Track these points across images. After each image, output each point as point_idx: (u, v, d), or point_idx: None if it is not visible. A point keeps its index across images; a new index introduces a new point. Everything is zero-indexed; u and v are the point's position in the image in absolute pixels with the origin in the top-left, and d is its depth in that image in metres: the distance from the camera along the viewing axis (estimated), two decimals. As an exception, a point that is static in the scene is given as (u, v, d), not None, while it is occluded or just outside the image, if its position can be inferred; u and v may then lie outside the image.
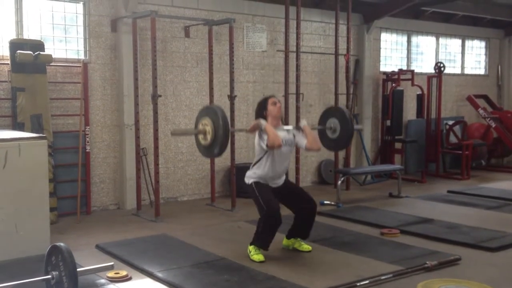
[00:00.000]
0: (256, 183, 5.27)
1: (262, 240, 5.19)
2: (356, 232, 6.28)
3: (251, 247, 5.25)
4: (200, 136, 5.14)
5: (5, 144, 5.22)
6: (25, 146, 5.32)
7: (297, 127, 5.53)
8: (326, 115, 6.00)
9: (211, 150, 5.10)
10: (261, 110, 5.37)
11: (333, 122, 5.86)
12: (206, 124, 5.02)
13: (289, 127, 5.54)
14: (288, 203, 5.41)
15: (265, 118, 5.31)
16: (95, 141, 7.58)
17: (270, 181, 5.31)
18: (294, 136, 5.43)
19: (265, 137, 5.11)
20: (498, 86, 13.37)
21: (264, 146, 5.14)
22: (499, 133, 11.35)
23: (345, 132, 5.79)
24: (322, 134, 6.00)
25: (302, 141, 5.40)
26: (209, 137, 5.00)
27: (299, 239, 5.50)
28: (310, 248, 5.46)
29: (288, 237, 5.53)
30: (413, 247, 5.62)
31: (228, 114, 7.90)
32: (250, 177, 5.34)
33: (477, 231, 6.24)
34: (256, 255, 5.16)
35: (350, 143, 6.10)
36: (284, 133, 5.34)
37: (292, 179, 7.72)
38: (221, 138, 4.91)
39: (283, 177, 5.44)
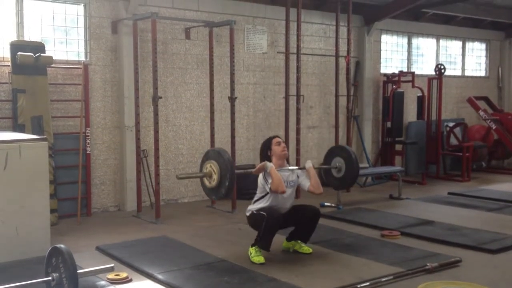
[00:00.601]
0: (256, 210, 5.28)
1: (264, 241, 5.19)
2: (357, 234, 6.27)
3: (251, 249, 5.24)
4: (206, 179, 5.18)
5: (5, 146, 5.22)
6: (25, 147, 5.32)
7: (302, 168, 5.57)
8: (332, 154, 6.05)
9: (217, 193, 5.15)
10: (265, 150, 5.39)
11: (338, 161, 5.93)
12: (212, 168, 5.06)
13: (294, 167, 5.58)
14: (292, 220, 5.37)
15: (269, 157, 5.33)
16: (96, 142, 7.58)
17: None
18: (298, 176, 5.45)
19: (270, 180, 5.13)
20: (499, 88, 13.37)
21: (268, 189, 5.16)
22: (499, 135, 11.34)
23: (351, 172, 5.85)
24: (327, 173, 6.07)
25: (306, 182, 5.42)
26: (214, 180, 5.05)
27: (299, 241, 5.50)
28: (310, 250, 5.45)
29: (288, 240, 5.53)
30: (413, 249, 5.61)
31: (228, 115, 7.97)
32: (251, 210, 5.34)
33: (477, 233, 6.23)
34: (257, 257, 5.16)
35: (355, 182, 6.20)
36: (288, 173, 5.36)
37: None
38: (227, 182, 4.96)
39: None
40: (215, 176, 5.03)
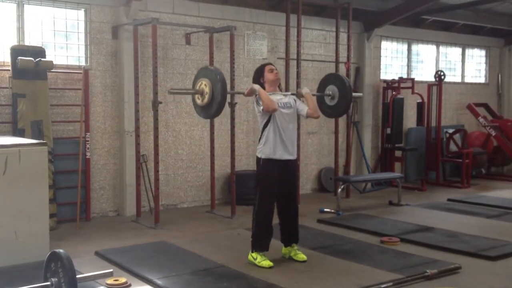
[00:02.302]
0: (265, 162, 5.22)
1: (260, 241, 5.22)
2: (356, 240, 6.26)
3: (254, 254, 5.23)
4: (197, 96, 5.16)
5: (5, 150, 5.22)
6: (25, 152, 5.32)
7: (298, 94, 5.53)
8: (326, 82, 6.00)
9: (207, 111, 5.15)
10: (258, 77, 5.38)
11: (332, 89, 5.88)
12: (204, 85, 5.04)
13: (287, 93, 5.55)
14: (278, 194, 5.36)
15: (262, 84, 5.32)
16: (95, 147, 7.58)
17: (281, 151, 5.22)
18: (294, 101, 5.42)
19: (261, 102, 5.14)
20: (498, 94, 13.39)
21: (261, 110, 5.17)
22: (499, 141, 11.35)
23: (344, 100, 5.80)
24: (320, 101, 6.02)
25: (304, 108, 5.39)
26: (206, 97, 5.03)
27: (295, 247, 5.45)
28: (305, 258, 5.37)
29: (285, 246, 5.50)
30: (413, 256, 5.60)
31: (228, 121, 7.97)
32: (261, 151, 5.28)
33: (477, 239, 6.22)
34: (264, 261, 5.15)
35: (347, 111, 6.12)
36: (280, 96, 5.33)
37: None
38: (218, 99, 4.95)
39: (293, 151, 5.35)
40: (206, 93, 5.01)
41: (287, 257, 5.46)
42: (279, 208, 5.43)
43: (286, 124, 5.26)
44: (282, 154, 5.23)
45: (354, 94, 6.04)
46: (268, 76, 5.34)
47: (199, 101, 5.17)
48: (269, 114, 5.18)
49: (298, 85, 8.68)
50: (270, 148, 5.21)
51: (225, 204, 8.50)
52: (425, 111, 10.62)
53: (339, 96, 5.84)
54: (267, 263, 5.15)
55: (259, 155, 5.30)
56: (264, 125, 5.24)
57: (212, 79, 5.00)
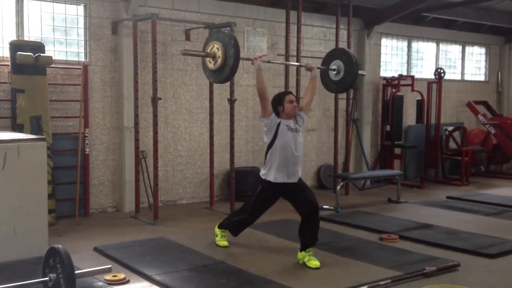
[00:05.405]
0: (266, 185, 5.26)
1: (237, 229, 5.66)
2: (355, 237, 6.27)
3: (218, 231, 5.66)
4: (208, 60, 5.11)
5: (4, 146, 5.21)
6: (24, 147, 5.31)
7: (306, 67, 5.67)
8: (331, 57, 5.94)
9: (219, 75, 5.11)
10: (276, 105, 5.29)
11: (337, 64, 5.81)
12: (216, 48, 4.97)
13: (296, 63, 5.62)
14: (295, 203, 5.35)
15: (278, 112, 5.25)
16: (95, 143, 7.57)
17: (284, 171, 5.19)
18: (301, 122, 5.38)
19: (265, 128, 5.20)
20: (498, 92, 13.38)
21: (265, 123, 5.17)
22: (498, 139, 11.35)
23: (349, 75, 5.76)
24: (324, 75, 5.98)
25: (304, 117, 5.42)
26: (218, 61, 4.98)
27: (310, 252, 5.22)
28: (318, 265, 5.08)
29: (300, 250, 5.29)
30: (412, 253, 5.61)
31: (227, 117, 7.96)
32: (264, 172, 5.29)
33: (476, 237, 6.23)
34: (221, 241, 5.64)
35: (352, 86, 6.07)
36: (291, 123, 5.28)
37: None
38: (230, 64, 4.92)
39: (298, 171, 5.30)
40: (219, 57, 4.95)
41: (301, 263, 5.23)
42: (298, 208, 5.36)
43: (293, 146, 5.20)
44: (285, 179, 5.22)
45: (360, 72, 6.00)
46: (287, 107, 5.23)
47: (210, 65, 5.08)
48: (274, 133, 5.16)
49: (298, 82, 8.68)
50: (273, 174, 5.21)
51: (224, 200, 8.50)
52: (424, 108, 10.62)
53: (345, 71, 5.76)
54: (223, 243, 5.67)
55: (262, 176, 5.30)
56: (268, 146, 5.21)
57: (225, 42, 4.90)
